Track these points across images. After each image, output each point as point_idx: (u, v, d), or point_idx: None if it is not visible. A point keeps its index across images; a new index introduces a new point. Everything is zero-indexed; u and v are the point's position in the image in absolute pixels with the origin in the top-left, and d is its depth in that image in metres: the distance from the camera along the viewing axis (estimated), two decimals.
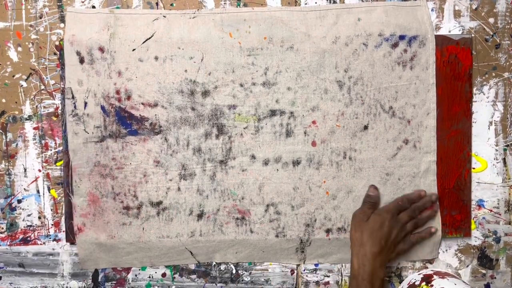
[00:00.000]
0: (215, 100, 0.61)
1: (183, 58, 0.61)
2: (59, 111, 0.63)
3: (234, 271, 0.65)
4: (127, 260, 0.64)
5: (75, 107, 0.61)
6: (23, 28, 0.62)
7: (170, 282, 0.65)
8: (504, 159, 0.65)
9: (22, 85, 0.63)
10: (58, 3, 0.62)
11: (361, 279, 0.55)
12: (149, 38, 0.61)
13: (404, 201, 0.61)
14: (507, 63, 0.64)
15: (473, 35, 0.63)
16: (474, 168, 0.64)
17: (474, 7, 0.64)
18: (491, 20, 0.64)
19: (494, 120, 0.64)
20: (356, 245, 0.57)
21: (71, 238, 0.63)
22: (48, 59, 0.63)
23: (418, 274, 0.61)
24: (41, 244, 0.64)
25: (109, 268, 0.64)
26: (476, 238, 0.65)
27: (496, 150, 0.64)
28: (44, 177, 0.64)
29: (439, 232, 0.63)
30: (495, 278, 0.65)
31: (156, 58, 0.61)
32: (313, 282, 0.65)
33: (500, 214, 0.65)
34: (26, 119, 0.63)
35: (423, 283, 0.58)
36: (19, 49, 0.62)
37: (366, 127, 0.62)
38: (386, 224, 0.58)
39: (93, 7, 0.62)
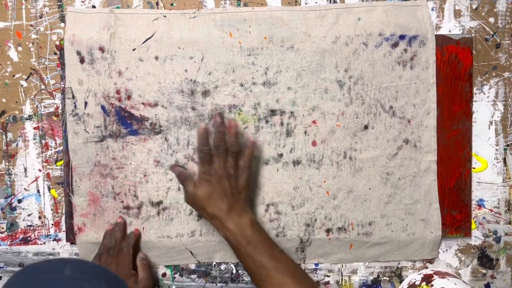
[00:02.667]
0: (216, 100, 0.61)
1: (183, 58, 0.61)
2: (59, 111, 0.63)
3: (234, 271, 0.65)
4: None
5: (75, 107, 0.61)
6: (23, 28, 0.62)
7: (170, 282, 0.65)
8: (504, 159, 0.65)
9: (22, 85, 0.63)
10: (58, 3, 0.62)
11: (234, 240, 0.54)
12: (149, 38, 0.61)
13: (202, 149, 0.56)
14: (508, 63, 0.64)
15: (473, 35, 0.63)
16: (474, 168, 0.64)
17: (474, 6, 0.64)
18: (491, 19, 0.64)
19: (495, 120, 0.64)
20: (212, 221, 0.55)
21: (71, 238, 0.63)
22: (48, 59, 0.63)
23: (418, 274, 0.61)
24: (41, 244, 0.64)
25: None
26: (476, 238, 0.65)
27: (497, 149, 0.64)
28: (44, 177, 0.64)
29: (439, 232, 0.63)
30: (495, 278, 0.65)
31: (156, 58, 0.61)
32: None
33: (500, 214, 0.65)
34: (26, 119, 0.63)
35: (423, 283, 0.58)
36: (19, 49, 0.62)
37: (366, 127, 0.62)
38: (211, 183, 0.55)
39: (93, 7, 0.62)
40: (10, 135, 0.63)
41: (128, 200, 0.62)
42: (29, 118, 0.63)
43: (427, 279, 0.59)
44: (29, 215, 0.64)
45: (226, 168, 0.56)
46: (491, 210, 0.65)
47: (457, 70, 0.63)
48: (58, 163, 0.63)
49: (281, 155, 0.62)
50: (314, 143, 0.62)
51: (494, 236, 0.65)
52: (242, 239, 0.54)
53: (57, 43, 0.62)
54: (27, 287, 0.34)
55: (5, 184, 0.64)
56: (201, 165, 0.57)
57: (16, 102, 0.63)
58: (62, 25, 0.62)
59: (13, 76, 0.63)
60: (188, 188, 0.57)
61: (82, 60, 0.61)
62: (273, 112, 0.62)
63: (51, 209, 0.64)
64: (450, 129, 0.63)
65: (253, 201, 0.62)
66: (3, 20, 0.62)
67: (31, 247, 0.64)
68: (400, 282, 0.65)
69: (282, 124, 0.62)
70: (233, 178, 0.56)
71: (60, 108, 0.63)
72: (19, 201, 0.64)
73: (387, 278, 0.65)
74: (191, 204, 0.58)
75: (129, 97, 0.61)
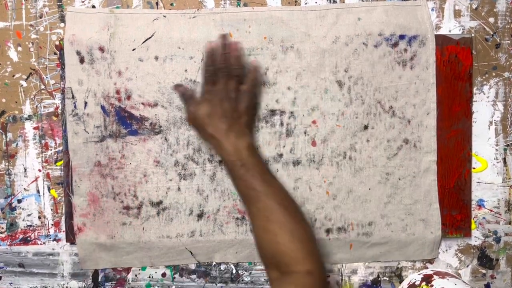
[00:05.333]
0: None
1: (183, 58, 0.61)
2: (59, 111, 0.63)
3: (234, 271, 0.65)
4: (127, 260, 0.64)
5: (75, 107, 0.61)
6: (23, 28, 0.62)
7: (170, 282, 0.65)
8: (504, 159, 0.65)
9: (22, 85, 0.63)
10: (58, 3, 0.62)
11: (229, 160, 0.53)
12: (149, 38, 0.61)
13: (208, 69, 0.56)
14: (507, 63, 0.64)
15: (473, 35, 0.63)
16: (474, 168, 0.64)
17: (474, 6, 0.63)
18: (491, 19, 0.64)
19: (494, 120, 0.64)
20: (210, 141, 0.55)
21: (71, 238, 0.63)
22: (48, 58, 0.63)
23: (418, 274, 0.61)
24: (41, 244, 0.64)
25: (109, 268, 0.64)
26: (476, 238, 0.65)
27: (496, 150, 0.64)
28: (44, 177, 0.64)
29: (439, 232, 0.63)
30: (495, 278, 0.65)
31: (156, 58, 0.61)
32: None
33: (500, 214, 0.65)
34: (26, 119, 0.63)
35: (423, 283, 0.58)
36: (19, 49, 0.62)
37: (366, 127, 0.62)
38: (212, 103, 0.54)
39: (93, 6, 0.62)
40: (10, 135, 0.63)
41: (128, 200, 0.62)
42: (29, 118, 0.63)
43: (427, 279, 0.59)
44: (29, 215, 0.64)
45: (228, 91, 0.56)
46: (491, 210, 0.65)
47: (457, 70, 0.63)
48: (58, 163, 0.63)
49: (281, 155, 0.62)
50: (314, 143, 0.62)
51: (494, 236, 0.65)
52: (237, 160, 0.53)
53: (57, 43, 0.62)
54: None
55: (5, 184, 0.63)
56: (204, 85, 0.57)
57: (16, 102, 0.63)
58: (62, 25, 0.62)
59: (13, 76, 0.63)
60: (190, 107, 0.57)
61: (82, 60, 0.61)
62: (273, 112, 0.62)
63: (51, 209, 0.64)
64: (450, 129, 0.63)
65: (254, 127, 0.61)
66: (3, 20, 0.62)
67: (31, 247, 0.64)
68: (400, 282, 0.65)
69: (282, 124, 0.62)
70: (234, 101, 0.56)
71: (60, 108, 0.63)
72: (19, 201, 0.64)
73: (387, 278, 0.65)
74: (192, 123, 0.57)
75: (129, 97, 0.61)
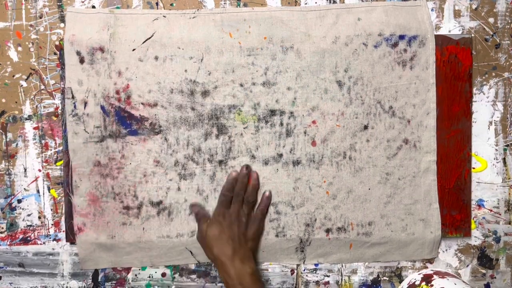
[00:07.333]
0: (215, 100, 0.61)
1: (183, 58, 0.61)
2: (59, 111, 0.63)
3: None
4: (127, 260, 0.64)
5: (75, 107, 0.61)
6: (23, 28, 0.62)
7: (170, 282, 0.65)
8: (504, 159, 0.65)
9: (22, 85, 0.63)
10: (58, 3, 0.62)
11: (231, 285, 0.55)
12: (149, 38, 0.61)
13: (225, 194, 0.59)
14: (507, 63, 0.64)
15: (473, 35, 0.63)
16: (474, 168, 0.64)
17: (474, 7, 0.64)
18: (491, 20, 0.64)
19: (494, 120, 0.64)
20: (217, 262, 0.57)
21: (71, 238, 0.63)
22: (48, 59, 0.63)
23: (418, 274, 0.61)
24: (41, 244, 0.64)
25: (109, 268, 0.64)
26: (476, 238, 0.65)
27: (496, 150, 0.65)
28: (44, 177, 0.64)
29: (438, 232, 0.63)
30: (495, 278, 0.65)
31: (156, 58, 0.61)
32: (313, 282, 0.65)
33: (500, 214, 0.65)
34: (26, 119, 0.63)
35: (423, 283, 0.58)
36: (19, 49, 0.62)
37: (366, 127, 0.62)
38: (222, 226, 0.57)
39: (93, 7, 0.62)
40: (10, 135, 0.63)
41: (128, 200, 0.62)
42: (29, 118, 0.63)
43: (427, 279, 0.59)
44: (28, 215, 0.64)
45: (239, 215, 0.59)
46: (491, 210, 0.65)
47: (456, 70, 0.63)
48: (58, 163, 0.63)
49: (281, 155, 0.62)
50: (313, 143, 0.62)
51: (493, 236, 0.65)
52: (239, 285, 0.55)
53: (57, 43, 0.62)
54: None
55: (5, 184, 0.64)
56: (218, 207, 0.59)
57: (16, 102, 0.63)
58: (62, 25, 0.62)
59: (13, 76, 0.63)
60: (201, 226, 0.59)
61: (82, 60, 0.61)
62: (273, 112, 0.62)
63: (51, 209, 0.64)
64: (450, 129, 0.63)
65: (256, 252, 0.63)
66: (3, 20, 0.62)
67: (31, 247, 0.64)
68: (400, 282, 0.65)
69: (282, 124, 0.62)
70: (243, 226, 0.59)
71: (60, 108, 0.63)
72: (19, 201, 0.64)
73: (387, 278, 0.65)
74: (200, 241, 0.60)
75: (128, 97, 0.61)
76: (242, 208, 0.59)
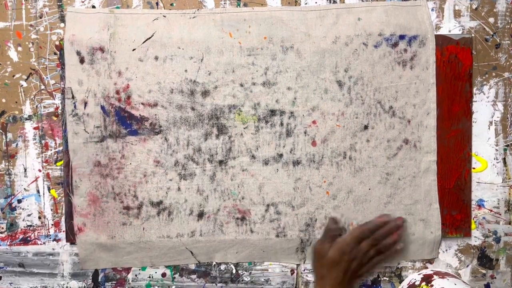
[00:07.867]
0: (215, 100, 0.61)
1: (183, 58, 0.61)
2: (59, 111, 0.63)
3: (234, 271, 0.65)
4: (127, 260, 0.64)
5: (75, 107, 0.61)
6: (23, 28, 0.62)
7: (170, 282, 0.65)
8: (504, 159, 0.65)
9: (22, 85, 0.63)
10: (58, 3, 0.62)
11: None
12: (149, 38, 0.61)
13: (366, 230, 0.58)
14: (507, 63, 0.64)
15: (473, 35, 0.63)
16: (474, 168, 0.64)
17: (474, 7, 0.64)
18: (491, 20, 0.64)
19: (494, 120, 0.64)
20: (318, 277, 0.57)
21: (71, 238, 0.63)
22: (48, 59, 0.63)
23: (418, 274, 0.61)
24: (41, 244, 0.64)
25: (109, 268, 0.64)
26: (476, 238, 0.65)
27: (496, 150, 0.64)
28: (44, 177, 0.64)
29: (439, 232, 0.63)
30: (495, 278, 0.65)
31: (156, 58, 0.61)
32: (313, 282, 0.65)
33: (500, 214, 0.65)
34: (26, 119, 0.63)
35: (423, 283, 0.58)
36: (19, 49, 0.62)
37: (366, 127, 0.62)
38: (345, 257, 0.56)
39: (93, 7, 0.62)
40: (10, 135, 0.63)
41: (128, 200, 0.62)
42: (29, 118, 0.63)
43: (427, 279, 0.59)
44: (29, 215, 0.64)
45: (364, 255, 0.58)
46: (491, 210, 0.65)
47: (457, 70, 0.63)
48: (58, 163, 0.63)
49: (281, 155, 0.62)
50: (314, 143, 0.62)
51: (494, 236, 0.65)
52: None
53: (57, 43, 0.62)
54: None
55: (5, 184, 0.63)
56: (352, 237, 0.58)
57: (16, 102, 0.63)
58: (62, 25, 0.62)
59: (13, 76, 0.63)
60: (325, 242, 0.58)
61: (82, 60, 0.61)
62: (273, 112, 0.62)
63: (51, 209, 0.64)
64: (450, 129, 0.63)
65: None
66: (3, 20, 0.62)
67: (31, 247, 0.64)
68: (400, 282, 0.65)
69: (282, 124, 0.62)
70: (360, 265, 0.58)
71: (60, 108, 0.63)
72: (19, 201, 0.64)
73: (387, 278, 0.65)
74: (313, 251, 0.59)
75: (128, 97, 0.61)
76: (371, 249, 0.58)
